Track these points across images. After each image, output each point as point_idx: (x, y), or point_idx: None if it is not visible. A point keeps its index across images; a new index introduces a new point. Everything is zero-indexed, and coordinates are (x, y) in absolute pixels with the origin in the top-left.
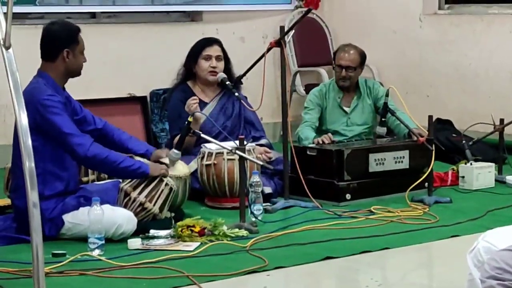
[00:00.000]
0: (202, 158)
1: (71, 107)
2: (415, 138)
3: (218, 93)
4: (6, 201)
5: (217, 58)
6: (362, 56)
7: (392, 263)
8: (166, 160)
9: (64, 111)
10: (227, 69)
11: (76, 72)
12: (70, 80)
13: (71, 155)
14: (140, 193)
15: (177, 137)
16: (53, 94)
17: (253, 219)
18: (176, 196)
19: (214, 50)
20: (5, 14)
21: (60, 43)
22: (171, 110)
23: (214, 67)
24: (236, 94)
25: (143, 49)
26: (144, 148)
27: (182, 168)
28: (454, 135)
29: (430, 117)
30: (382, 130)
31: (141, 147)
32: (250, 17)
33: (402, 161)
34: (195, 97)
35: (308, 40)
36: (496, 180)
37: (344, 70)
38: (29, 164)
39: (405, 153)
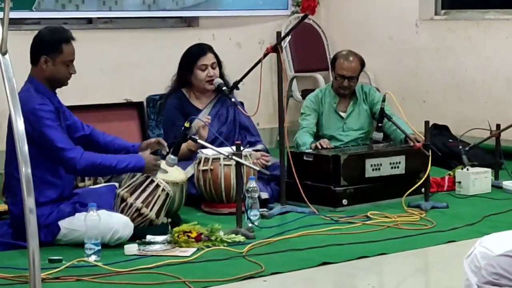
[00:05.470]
0: (199, 163)
1: (62, 111)
2: (411, 144)
3: (212, 99)
4: (3, 207)
5: (212, 66)
6: (362, 64)
7: (389, 269)
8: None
9: (56, 120)
10: (220, 73)
11: (57, 82)
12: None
13: (65, 169)
14: (136, 198)
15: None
16: (44, 102)
17: (250, 224)
18: (172, 202)
19: (208, 59)
20: (2, 19)
21: (40, 49)
22: (165, 117)
23: (211, 76)
24: (233, 99)
25: (139, 54)
26: (130, 144)
27: (178, 174)
28: (450, 140)
29: (427, 122)
30: (378, 135)
31: (127, 144)
32: (246, 22)
33: (398, 167)
34: (205, 126)
35: (305, 46)
36: (492, 186)
37: (346, 80)
38: (25, 170)
39: (401, 159)
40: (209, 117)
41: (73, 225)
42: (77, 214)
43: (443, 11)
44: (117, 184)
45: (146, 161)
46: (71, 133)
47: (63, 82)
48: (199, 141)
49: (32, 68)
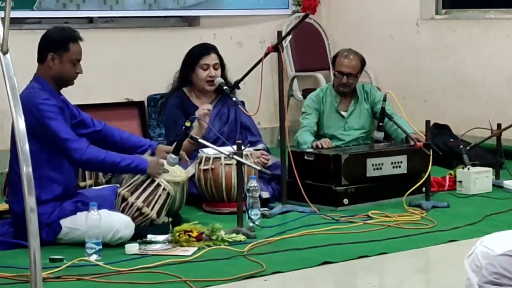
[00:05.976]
0: (200, 163)
1: (68, 110)
2: (412, 143)
3: (213, 99)
4: (4, 206)
5: (215, 66)
6: (363, 62)
7: (389, 268)
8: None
9: (60, 114)
10: (223, 74)
11: (63, 80)
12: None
13: (68, 160)
14: (137, 198)
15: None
16: (49, 98)
17: (251, 224)
18: (173, 201)
19: (211, 59)
20: (3, 19)
21: (47, 47)
22: (167, 116)
23: (212, 77)
24: (234, 99)
25: (140, 54)
26: (148, 142)
27: (179, 173)
28: (451, 140)
29: (428, 122)
30: (379, 135)
31: (144, 142)
32: (247, 22)
33: (400, 166)
34: (209, 107)
35: (306, 45)
36: (493, 185)
37: (345, 77)
38: (26, 169)
39: (403, 158)
40: (210, 105)
41: (74, 224)
42: (78, 213)
43: (444, 11)
44: (118, 185)
45: (150, 165)
46: (82, 130)
47: (69, 81)
48: (200, 140)
49: (39, 67)
